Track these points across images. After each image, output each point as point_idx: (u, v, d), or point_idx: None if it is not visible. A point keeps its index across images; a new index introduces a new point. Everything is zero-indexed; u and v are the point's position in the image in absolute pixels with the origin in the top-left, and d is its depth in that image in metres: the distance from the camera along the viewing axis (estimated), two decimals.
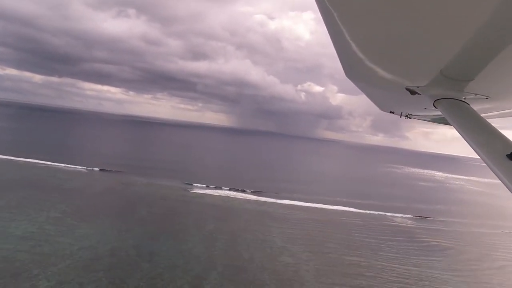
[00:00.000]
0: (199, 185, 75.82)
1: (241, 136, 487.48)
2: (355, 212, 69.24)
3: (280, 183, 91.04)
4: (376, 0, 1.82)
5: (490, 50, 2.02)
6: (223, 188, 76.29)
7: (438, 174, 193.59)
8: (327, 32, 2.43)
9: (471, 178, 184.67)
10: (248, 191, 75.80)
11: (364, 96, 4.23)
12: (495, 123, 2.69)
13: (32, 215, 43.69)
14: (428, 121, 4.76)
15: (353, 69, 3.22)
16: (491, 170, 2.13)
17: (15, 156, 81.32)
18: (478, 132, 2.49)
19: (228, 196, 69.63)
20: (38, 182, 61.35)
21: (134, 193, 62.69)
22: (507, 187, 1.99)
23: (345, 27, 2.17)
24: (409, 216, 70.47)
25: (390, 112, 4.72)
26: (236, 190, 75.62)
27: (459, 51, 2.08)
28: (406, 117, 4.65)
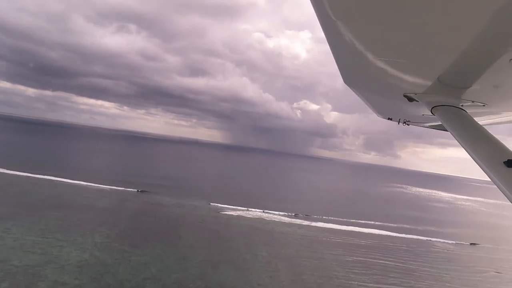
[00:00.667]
0: (228, 206, 72.45)
1: (238, 153, 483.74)
2: (394, 236, 66.69)
3: (304, 203, 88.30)
4: (374, 8, 1.83)
5: (487, 57, 2.05)
6: (251, 209, 73.12)
7: (445, 194, 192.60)
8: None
9: (478, 199, 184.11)
10: (279, 213, 72.78)
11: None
12: (492, 130, 2.64)
13: (79, 240, 40.13)
14: (426, 127, 4.77)
15: (351, 76, 3.19)
16: (489, 177, 2.12)
17: (31, 173, 77.27)
18: (476, 139, 2.46)
19: (262, 218, 66.58)
20: (67, 202, 57.57)
21: (168, 214, 59.24)
22: (504, 194, 1.99)
23: (343, 34, 2.16)
24: (450, 241, 68.06)
25: (388, 118, 4.68)
26: (267, 211, 72.56)
27: (457, 58, 2.10)
28: (404, 124, 4.63)
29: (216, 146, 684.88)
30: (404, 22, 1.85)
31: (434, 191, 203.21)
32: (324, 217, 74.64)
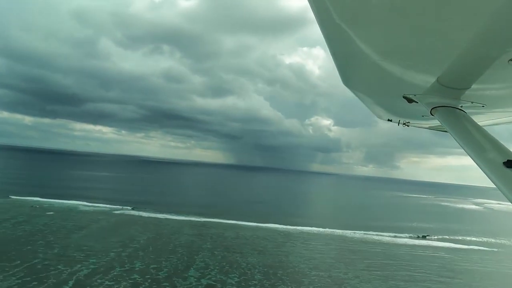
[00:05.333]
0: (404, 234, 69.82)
1: (249, 172, 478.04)
2: None
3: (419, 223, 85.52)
4: (373, 10, 1.87)
5: (486, 59, 2.08)
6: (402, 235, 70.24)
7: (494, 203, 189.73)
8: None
9: None
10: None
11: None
12: (491, 130, 2.67)
13: None
14: (426, 128, 4.86)
15: (351, 78, 3.23)
16: (488, 177, 2.15)
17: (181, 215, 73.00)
18: (475, 140, 2.48)
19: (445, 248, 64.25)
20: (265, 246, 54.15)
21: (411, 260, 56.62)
22: (504, 194, 2.01)
23: (344, 36, 2.20)
24: None
25: (388, 120, 4.71)
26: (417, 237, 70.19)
27: (456, 59, 2.15)
28: (404, 125, 4.69)
29: (223, 167, 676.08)
30: (404, 24, 1.89)
31: (484, 200, 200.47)
32: (467, 238, 72.66)
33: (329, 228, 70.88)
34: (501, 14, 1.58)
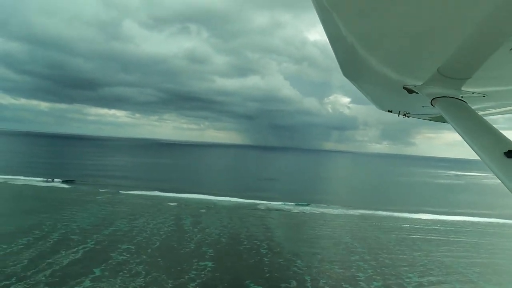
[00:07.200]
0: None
1: (272, 153, 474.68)
2: None
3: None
4: None
5: (487, 48, 2.07)
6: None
7: None
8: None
9: None
10: None
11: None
12: (492, 121, 2.62)
13: None
14: (426, 119, 4.76)
15: (351, 68, 3.19)
16: (489, 168, 2.14)
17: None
18: (476, 130, 2.46)
19: None
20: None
21: None
22: (504, 184, 2.01)
23: (342, 25, 2.17)
24: None
25: (388, 111, 4.61)
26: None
27: (456, 49, 2.13)
28: (404, 116, 4.62)
29: (241, 147, 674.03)
30: (403, 13, 1.84)
31: None
32: None
33: (484, 217, 67.99)
34: (502, 3, 1.56)
